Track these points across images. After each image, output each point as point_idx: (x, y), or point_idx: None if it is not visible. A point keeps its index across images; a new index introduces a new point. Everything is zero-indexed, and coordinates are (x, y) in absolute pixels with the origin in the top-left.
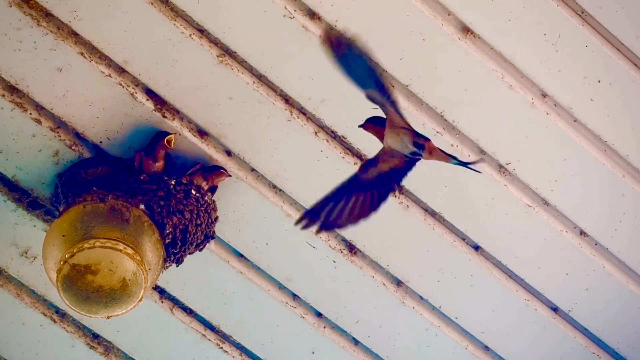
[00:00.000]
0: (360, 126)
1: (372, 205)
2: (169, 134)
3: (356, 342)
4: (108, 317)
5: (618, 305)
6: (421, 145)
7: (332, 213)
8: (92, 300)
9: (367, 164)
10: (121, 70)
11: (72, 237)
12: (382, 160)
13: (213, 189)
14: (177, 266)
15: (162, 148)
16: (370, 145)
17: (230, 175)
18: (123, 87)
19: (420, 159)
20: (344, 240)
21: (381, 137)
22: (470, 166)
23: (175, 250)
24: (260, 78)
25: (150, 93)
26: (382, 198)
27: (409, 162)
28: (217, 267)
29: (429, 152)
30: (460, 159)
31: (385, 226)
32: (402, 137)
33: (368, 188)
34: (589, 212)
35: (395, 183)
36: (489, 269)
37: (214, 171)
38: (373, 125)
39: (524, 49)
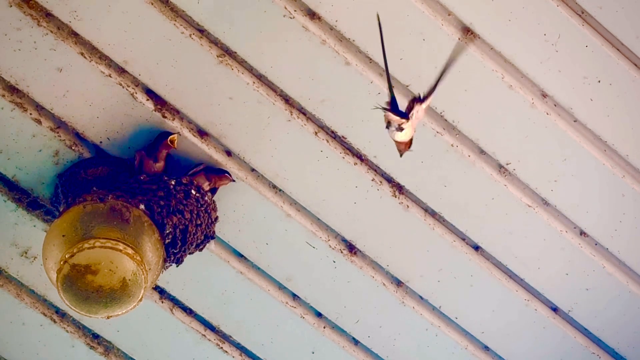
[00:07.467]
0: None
1: None
2: (171, 134)
3: (356, 342)
4: (108, 317)
5: (618, 305)
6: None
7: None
8: (92, 300)
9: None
10: (121, 70)
11: (72, 237)
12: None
13: (214, 191)
14: (177, 266)
15: (164, 148)
16: (371, 146)
17: (234, 180)
18: (123, 87)
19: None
20: (344, 240)
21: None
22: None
23: (175, 250)
24: (260, 78)
25: (150, 93)
26: None
27: None
28: (217, 267)
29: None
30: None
31: (385, 226)
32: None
33: None
34: (589, 212)
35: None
36: (489, 269)
37: (218, 174)
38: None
39: (524, 49)
